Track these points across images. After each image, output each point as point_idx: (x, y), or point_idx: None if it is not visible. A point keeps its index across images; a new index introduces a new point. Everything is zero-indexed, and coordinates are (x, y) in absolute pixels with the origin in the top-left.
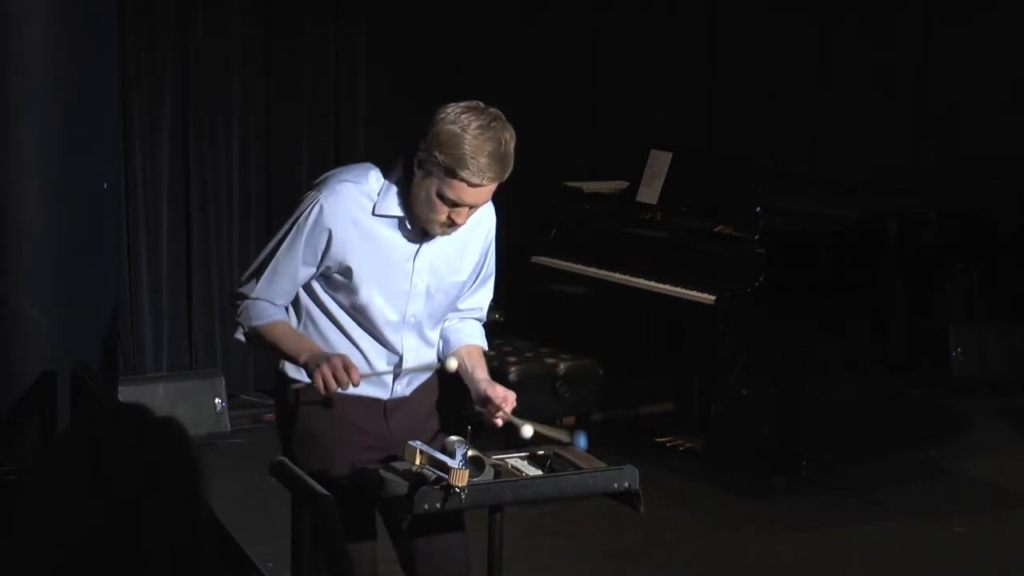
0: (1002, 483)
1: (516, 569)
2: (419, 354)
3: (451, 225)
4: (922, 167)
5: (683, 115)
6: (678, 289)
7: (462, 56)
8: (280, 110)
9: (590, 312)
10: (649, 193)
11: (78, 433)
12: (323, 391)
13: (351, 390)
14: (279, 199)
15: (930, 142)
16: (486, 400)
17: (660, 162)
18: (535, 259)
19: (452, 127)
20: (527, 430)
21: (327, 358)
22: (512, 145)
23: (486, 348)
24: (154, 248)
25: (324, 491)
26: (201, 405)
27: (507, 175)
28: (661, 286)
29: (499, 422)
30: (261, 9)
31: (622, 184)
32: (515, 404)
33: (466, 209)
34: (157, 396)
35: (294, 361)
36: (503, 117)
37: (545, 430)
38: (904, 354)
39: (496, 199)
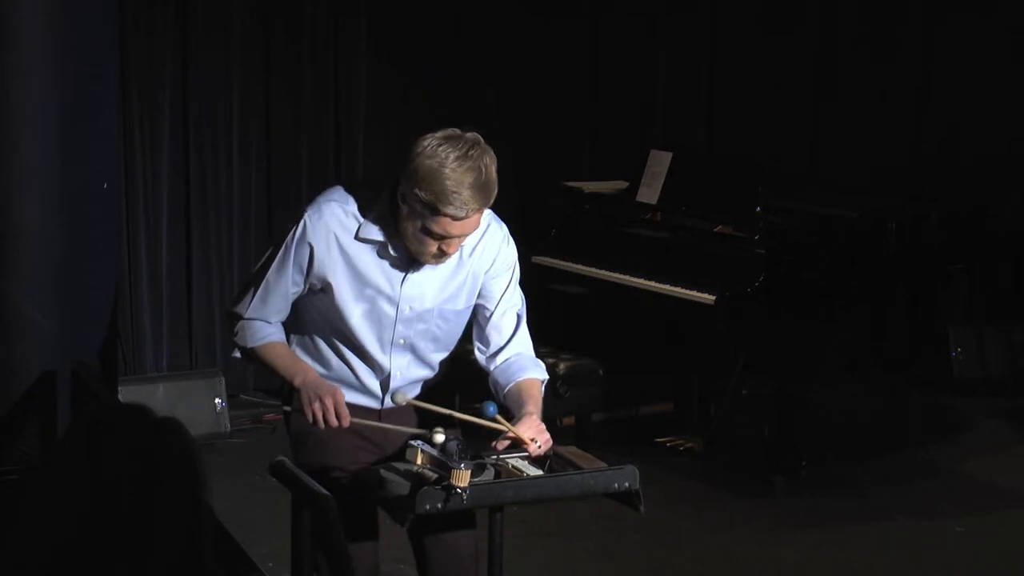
0: (1002, 483)
1: (516, 569)
2: (410, 372)
3: (442, 255)
4: (922, 167)
5: (683, 115)
6: (678, 289)
7: (462, 56)
8: (280, 110)
9: (590, 312)
10: (649, 193)
11: (78, 434)
12: (311, 423)
13: (344, 398)
14: (279, 200)
15: (931, 142)
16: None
17: (660, 162)
18: (535, 259)
19: (430, 162)
20: (438, 437)
21: (320, 395)
22: (493, 169)
23: (543, 377)
24: (154, 248)
25: (324, 491)
26: (201, 405)
27: (492, 201)
28: (661, 286)
29: (544, 450)
30: (261, 9)
31: (622, 184)
32: (544, 445)
33: (456, 240)
34: (157, 396)
35: (289, 382)
36: (481, 142)
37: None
38: (904, 354)
39: (496, 199)
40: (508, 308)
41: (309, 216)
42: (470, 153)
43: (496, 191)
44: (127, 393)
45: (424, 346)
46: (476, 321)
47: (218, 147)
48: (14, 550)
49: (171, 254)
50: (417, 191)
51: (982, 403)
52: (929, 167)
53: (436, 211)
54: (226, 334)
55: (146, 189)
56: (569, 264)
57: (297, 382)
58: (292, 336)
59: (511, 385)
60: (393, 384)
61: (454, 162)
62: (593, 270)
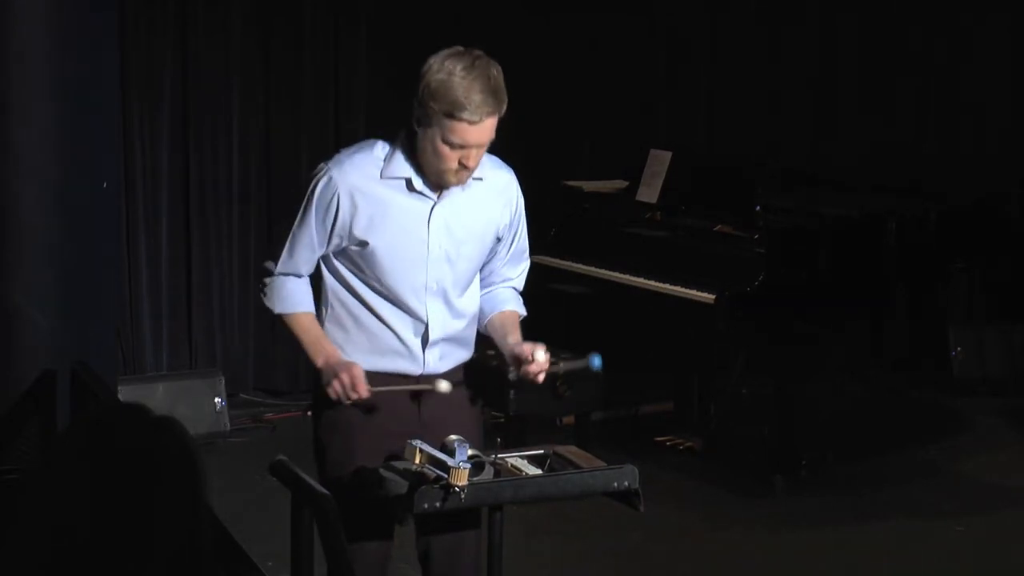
0: (1002, 483)
1: (516, 569)
2: (446, 324)
3: (463, 169)
4: (923, 166)
5: (683, 115)
6: (678, 289)
7: None
8: (280, 110)
9: (590, 312)
10: (649, 193)
11: (78, 433)
12: (335, 402)
13: (382, 367)
14: (279, 199)
15: (931, 141)
16: (517, 361)
17: (660, 162)
18: (535, 259)
19: (439, 75)
20: (540, 354)
21: (337, 372)
22: (501, 78)
23: (522, 313)
24: (154, 248)
25: (324, 491)
26: (201, 405)
27: (504, 108)
28: (661, 286)
29: (539, 379)
30: (261, 9)
31: (622, 184)
32: (545, 357)
33: (473, 150)
34: (157, 396)
35: (312, 362)
36: (485, 55)
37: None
38: (904, 354)
39: None
40: (519, 250)
41: (332, 168)
42: (476, 63)
43: (506, 99)
44: (127, 393)
45: (455, 290)
46: (488, 256)
47: (218, 147)
48: (13, 550)
49: (171, 254)
50: (431, 104)
51: (982, 403)
52: (929, 166)
53: (452, 117)
54: (255, 286)
55: (146, 189)
56: (569, 264)
57: (319, 363)
58: (327, 309)
59: (495, 314)
60: (432, 336)
61: (462, 71)
62: (593, 270)
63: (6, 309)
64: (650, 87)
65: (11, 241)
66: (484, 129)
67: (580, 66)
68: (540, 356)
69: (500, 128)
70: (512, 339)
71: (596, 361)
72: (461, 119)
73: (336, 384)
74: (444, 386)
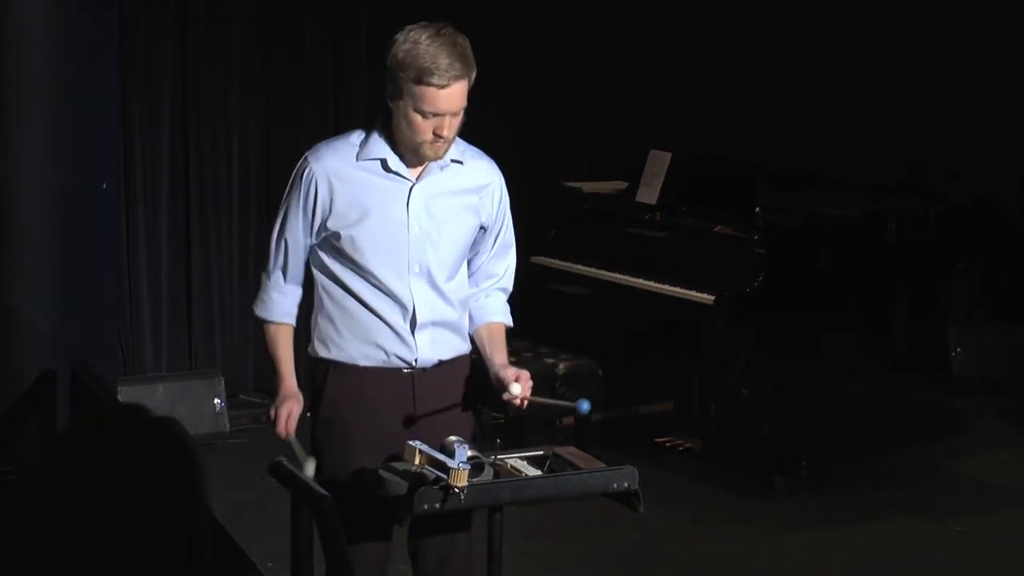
0: (1002, 483)
1: (516, 569)
2: (434, 307)
3: (438, 140)
4: (923, 166)
5: (683, 115)
6: (678, 289)
7: None
8: (280, 110)
9: (590, 312)
10: (649, 193)
11: (77, 434)
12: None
13: (377, 359)
14: (279, 199)
15: (931, 141)
16: (499, 384)
17: (660, 162)
18: (535, 259)
19: (405, 45)
20: (515, 388)
21: (278, 405)
22: (467, 47)
23: (510, 324)
24: (154, 248)
25: (323, 491)
26: (201, 405)
27: (473, 74)
28: (661, 286)
29: (521, 404)
30: (261, 9)
31: (622, 184)
32: (530, 383)
33: (446, 118)
34: (157, 396)
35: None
36: (451, 26)
37: (549, 401)
38: (904, 354)
39: None
40: (504, 244)
41: (309, 157)
42: (442, 32)
43: (475, 67)
44: (127, 393)
45: (441, 274)
46: (474, 249)
47: (218, 147)
48: (12, 550)
49: (171, 254)
50: (400, 74)
51: (982, 403)
52: (929, 166)
53: (420, 82)
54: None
55: (146, 189)
56: (569, 264)
57: (277, 382)
58: (319, 308)
59: (481, 325)
60: (420, 319)
61: (427, 39)
62: (593, 270)
63: (6, 309)
64: (650, 87)
65: (11, 241)
66: (454, 94)
67: (580, 66)
68: (515, 390)
69: (501, 128)
70: (498, 359)
71: (584, 405)
72: (430, 84)
73: (272, 412)
74: (309, 469)
